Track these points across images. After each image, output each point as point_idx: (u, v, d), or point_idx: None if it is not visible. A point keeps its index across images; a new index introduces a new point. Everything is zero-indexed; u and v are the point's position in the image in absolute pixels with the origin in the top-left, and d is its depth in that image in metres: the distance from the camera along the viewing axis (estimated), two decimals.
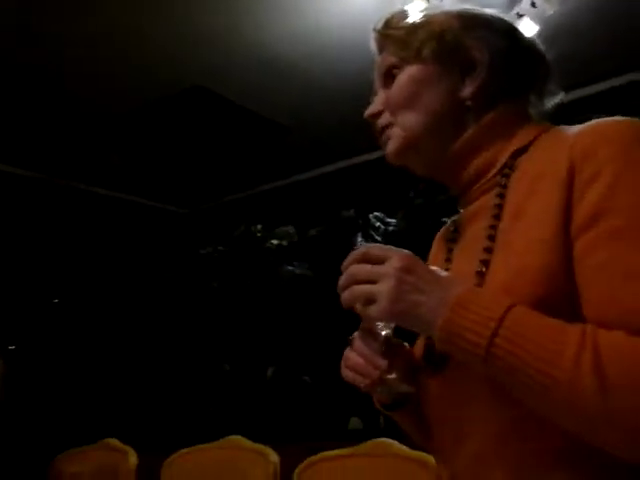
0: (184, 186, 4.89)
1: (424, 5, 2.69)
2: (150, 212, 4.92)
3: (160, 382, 3.28)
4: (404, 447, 1.47)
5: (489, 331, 0.59)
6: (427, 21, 0.83)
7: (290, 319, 3.00)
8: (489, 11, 0.85)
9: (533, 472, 0.64)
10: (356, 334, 0.76)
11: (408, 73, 0.82)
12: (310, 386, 2.73)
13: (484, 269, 0.71)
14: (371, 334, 0.74)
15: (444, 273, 0.69)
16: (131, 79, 3.40)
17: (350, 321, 0.79)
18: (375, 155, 3.97)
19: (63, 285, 4.02)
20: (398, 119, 0.83)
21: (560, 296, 0.63)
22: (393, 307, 0.64)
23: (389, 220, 3.06)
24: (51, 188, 4.26)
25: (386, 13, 0.90)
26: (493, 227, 0.74)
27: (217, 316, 3.28)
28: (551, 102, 0.85)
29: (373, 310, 0.66)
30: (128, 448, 2.14)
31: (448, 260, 0.84)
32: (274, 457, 1.73)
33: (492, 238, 0.73)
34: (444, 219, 0.98)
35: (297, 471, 1.63)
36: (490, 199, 0.77)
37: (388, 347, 0.74)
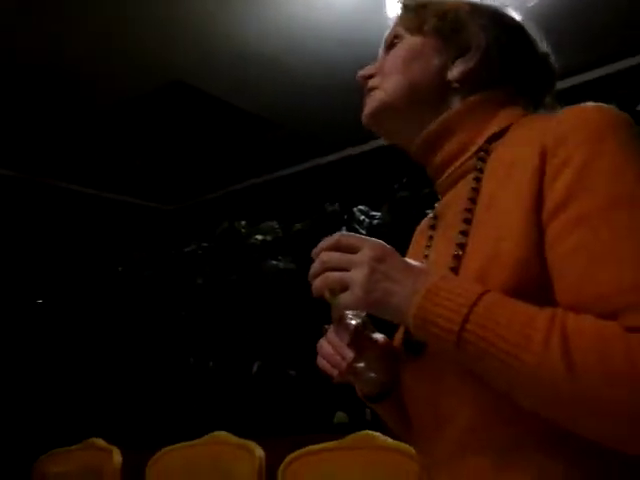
0: (167, 183, 4.86)
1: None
2: (133, 210, 4.89)
3: (144, 380, 3.26)
4: (388, 439, 1.47)
5: (460, 317, 0.59)
6: (439, 0, 0.86)
7: (275, 314, 2.99)
8: (505, 7, 0.86)
9: (513, 456, 0.64)
10: (330, 325, 0.78)
11: (406, 43, 0.84)
12: (296, 380, 2.73)
13: (460, 252, 0.72)
14: (342, 324, 0.75)
15: (417, 263, 0.69)
16: (112, 75, 3.36)
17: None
18: (359, 149, 3.97)
19: (47, 285, 3.98)
20: (383, 83, 0.84)
21: (533, 282, 0.64)
22: (366, 296, 0.65)
23: (374, 213, 3.06)
24: (32, 187, 4.21)
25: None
26: (469, 210, 0.74)
27: (201, 312, 3.27)
28: (545, 107, 0.85)
29: (346, 298, 0.66)
30: (112, 447, 2.12)
31: (428, 247, 0.85)
32: (259, 452, 1.72)
33: (468, 221, 0.73)
34: (428, 212, 0.99)
35: (282, 465, 1.63)
36: (466, 184, 0.77)
37: (357, 337, 0.76)
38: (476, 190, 0.75)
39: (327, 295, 0.68)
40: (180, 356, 3.24)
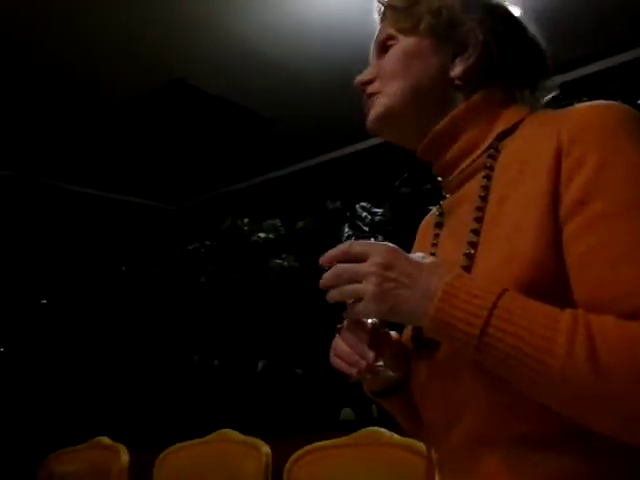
0: (170, 182, 4.86)
1: None
2: (136, 210, 4.89)
3: (150, 378, 3.27)
4: (395, 435, 1.47)
5: (481, 320, 0.59)
6: None
7: (280, 312, 2.99)
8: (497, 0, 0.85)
9: (524, 453, 0.64)
10: (344, 323, 0.77)
11: (402, 45, 0.83)
12: (302, 378, 2.73)
13: (472, 251, 0.71)
14: (358, 323, 0.75)
15: (428, 259, 0.68)
16: (112, 74, 3.36)
17: (339, 312, 0.79)
18: (360, 146, 3.97)
19: (51, 285, 3.98)
20: (385, 88, 0.83)
21: (549, 281, 0.63)
22: (379, 306, 0.65)
23: (376, 210, 3.05)
24: (35, 188, 4.22)
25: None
26: (480, 209, 0.73)
27: (206, 311, 3.27)
28: (545, 97, 0.85)
29: (360, 308, 0.67)
30: (120, 446, 2.12)
31: (435, 245, 0.84)
32: (266, 449, 1.73)
33: (480, 220, 0.73)
34: (430, 207, 0.98)
35: (289, 463, 1.63)
36: (476, 183, 0.77)
37: (375, 335, 0.75)
38: (487, 188, 0.74)
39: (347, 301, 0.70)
40: (185, 354, 3.24)
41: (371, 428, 1.55)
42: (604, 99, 0.69)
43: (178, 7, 2.88)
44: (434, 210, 0.91)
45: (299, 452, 1.63)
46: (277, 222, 3.58)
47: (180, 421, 2.95)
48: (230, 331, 3.14)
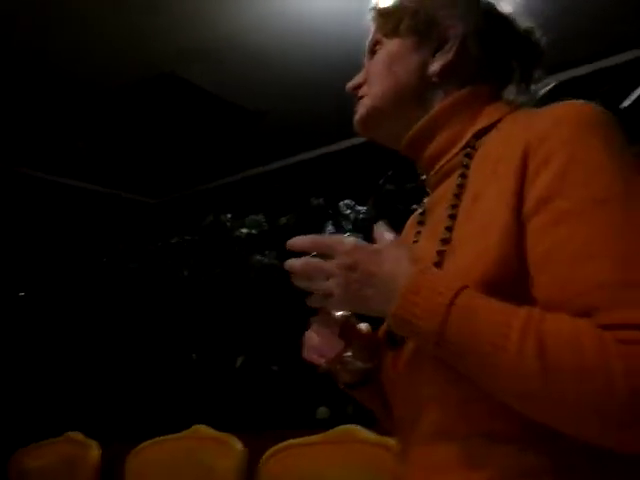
0: (153, 175, 4.82)
1: None
2: (119, 202, 4.84)
3: (124, 372, 3.23)
4: (370, 434, 1.47)
5: (439, 317, 0.60)
6: None
7: (260, 308, 2.97)
8: None
9: (484, 449, 0.65)
10: (316, 317, 0.80)
11: (386, 47, 0.86)
12: (278, 375, 2.72)
13: (445, 248, 0.72)
14: (328, 315, 0.79)
15: (393, 252, 0.68)
16: (99, 65, 3.32)
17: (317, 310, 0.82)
18: (345, 144, 3.96)
19: (29, 278, 3.93)
20: (369, 90, 0.86)
21: (514, 278, 0.64)
22: (346, 304, 0.71)
23: (359, 208, 3.05)
24: (15, 178, 4.15)
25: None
26: (455, 206, 0.74)
27: (186, 305, 3.24)
28: (538, 88, 0.86)
29: (330, 304, 0.71)
30: (91, 441, 2.10)
31: (416, 242, 0.86)
32: (240, 446, 1.71)
33: (453, 217, 0.74)
34: (414, 206, 1.00)
35: (263, 459, 1.62)
36: (453, 181, 0.78)
37: (344, 327, 0.79)
38: (461, 186, 0.75)
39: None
40: (163, 348, 3.21)
41: (346, 426, 1.54)
42: (594, 100, 0.70)
43: (169, 3, 2.85)
44: (419, 209, 0.93)
45: (273, 449, 1.62)
46: (260, 218, 3.56)
47: (154, 416, 2.91)
48: (210, 326, 3.11)
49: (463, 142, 0.79)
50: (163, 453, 1.90)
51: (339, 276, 0.67)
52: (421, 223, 0.88)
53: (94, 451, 2.04)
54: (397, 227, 0.98)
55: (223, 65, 3.39)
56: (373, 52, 0.88)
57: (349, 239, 0.69)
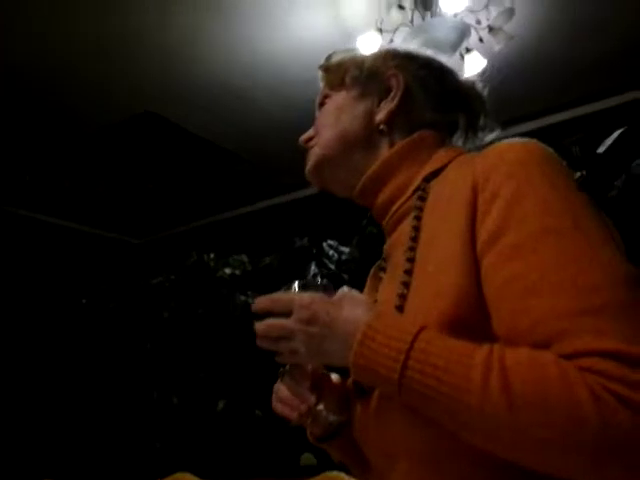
0: (136, 215, 4.80)
1: (377, 37, 2.75)
2: (102, 242, 4.81)
3: (104, 416, 3.15)
4: (352, 479, 1.44)
5: (399, 364, 0.60)
6: (356, 53, 0.92)
7: (243, 350, 2.94)
8: (423, 49, 0.91)
9: None
10: (287, 367, 0.79)
11: (333, 99, 0.89)
12: (262, 420, 2.67)
13: (405, 291, 0.73)
14: (298, 367, 0.78)
15: (350, 299, 0.69)
16: (82, 104, 3.34)
17: None
18: None
19: (5, 315, 3.86)
20: (318, 140, 0.89)
21: (473, 316, 0.64)
22: (310, 360, 0.72)
23: (342, 249, 3.06)
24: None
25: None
26: (412, 249, 0.75)
27: (167, 346, 3.19)
28: (487, 136, 0.89)
29: (295, 361, 0.72)
30: None
31: (377, 290, 0.86)
32: None
33: (411, 260, 0.75)
34: None
35: None
36: (408, 224, 0.79)
37: (315, 380, 0.78)
38: (417, 229, 0.76)
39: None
40: (143, 391, 3.15)
41: (331, 472, 1.51)
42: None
43: (153, 39, 2.89)
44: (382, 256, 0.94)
45: None
46: (244, 258, 3.56)
47: (135, 462, 2.83)
48: (191, 368, 3.06)
49: (414, 187, 0.81)
50: None
51: (300, 332, 0.67)
52: (382, 269, 0.89)
53: None
54: None
55: (209, 107, 3.43)
56: (322, 105, 0.92)
57: (306, 293, 0.70)
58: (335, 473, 1.50)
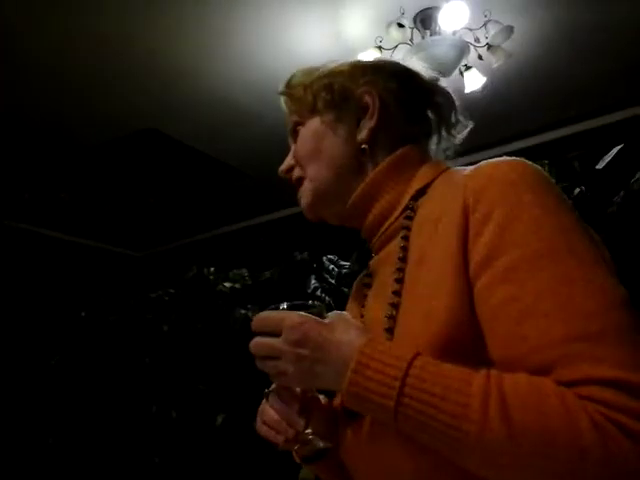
0: (137, 229, 4.81)
1: (377, 55, 2.78)
2: (103, 255, 4.81)
3: (103, 430, 3.14)
4: None
5: (394, 391, 0.58)
6: (320, 75, 0.87)
7: (243, 365, 2.93)
8: (383, 58, 0.92)
9: None
10: (272, 387, 0.76)
11: (308, 127, 0.86)
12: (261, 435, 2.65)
13: (394, 312, 0.71)
14: (287, 389, 0.74)
15: (342, 322, 0.68)
16: (84, 119, 3.36)
17: None
18: None
19: (5, 328, 3.85)
20: (307, 172, 0.85)
21: (466, 340, 0.63)
22: (299, 382, 0.69)
23: (343, 263, 3.06)
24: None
25: (288, 73, 0.93)
26: (401, 270, 0.74)
27: (166, 360, 3.18)
28: (461, 132, 0.88)
29: (284, 382, 0.70)
30: None
31: (363, 306, 0.85)
32: None
33: (400, 281, 0.73)
34: None
35: None
36: (396, 244, 0.78)
37: (304, 403, 0.74)
38: (405, 249, 0.75)
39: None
40: (142, 404, 3.13)
41: None
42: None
43: (155, 57, 2.92)
44: (364, 271, 0.92)
45: None
46: (244, 272, 3.56)
47: (134, 477, 2.82)
48: (190, 382, 3.05)
49: (402, 205, 0.79)
50: None
51: (289, 353, 0.65)
52: (367, 285, 0.87)
53: None
54: None
55: (208, 122, 3.46)
56: (295, 133, 0.88)
57: (295, 313, 0.67)
58: None
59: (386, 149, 0.82)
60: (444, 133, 0.87)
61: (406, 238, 0.76)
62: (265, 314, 0.70)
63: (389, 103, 0.82)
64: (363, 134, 0.82)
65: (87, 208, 4.37)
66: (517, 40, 2.81)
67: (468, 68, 2.85)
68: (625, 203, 2.19)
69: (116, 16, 2.63)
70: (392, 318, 0.71)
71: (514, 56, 2.84)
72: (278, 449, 0.75)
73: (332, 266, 3.11)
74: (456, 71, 2.82)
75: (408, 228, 0.77)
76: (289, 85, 0.90)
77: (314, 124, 0.85)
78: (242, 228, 4.57)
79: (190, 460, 2.78)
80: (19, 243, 4.25)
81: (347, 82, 0.84)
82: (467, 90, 2.82)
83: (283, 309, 0.70)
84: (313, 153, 0.84)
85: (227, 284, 3.45)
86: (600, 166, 2.32)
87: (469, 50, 2.78)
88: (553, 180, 0.68)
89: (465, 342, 0.63)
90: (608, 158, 2.35)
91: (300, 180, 0.87)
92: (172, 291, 3.60)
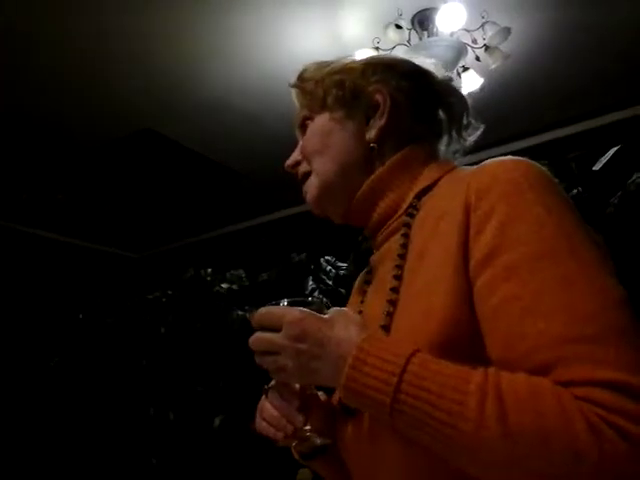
0: (134, 230, 4.80)
1: (373, 54, 2.79)
2: (100, 257, 4.80)
3: (101, 432, 3.13)
4: None
5: (391, 388, 0.58)
6: (332, 71, 0.86)
7: (240, 366, 2.92)
8: (396, 55, 0.89)
9: None
10: (272, 383, 0.76)
11: (317, 122, 0.85)
12: (258, 436, 2.65)
13: (392, 309, 0.71)
14: (286, 385, 0.74)
15: (342, 318, 0.68)
16: (82, 120, 3.36)
17: None
18: None
19: (1, 330, 3.84)
20: (313, 167, 0.85)
21: (465, 338, 0.63)
22: (298, 379, 0.70)
23: (340, 264, 3.06)
24: None
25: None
26: (399, 267, 0.74)
27: (164, 362, 3.18)
28: (472, 135, 0.87)
29: (283, 378, 0.69)
30: None
31: (362, 302, 0.85)
32: None
33: (398, 278, 0.73)
34: None
35: None
36: (397, 240, 0.77)
37: (303, 399, 0.74)
38: (405, 246, 0.75)
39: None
40: (140, 406, 3.13)
41: None
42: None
43: (152, 58, 2.92)
44: (366, 268, 0.91)
45: None
46: (241, 273, 3.56)
47: (131, 479, 2.81)
48: (188, 384, 3.05)
49: (407, 203, 0.79)
50: None
51: (287, 347, 0.65)
52: (367, 282, 0.87)
53: None
54: None
55: (205, 123, 3.45)
56: (303, 127, 0.88)
57: (296, 309, 0.67)
58: None
59: (394, 147, 0.82)
60: (455, 134, 0.86)
61: (406, 235, 0.76)
62: (266, 309, 0.70)
63: (400, 102, 0.82)
64: (372, 133, 0.82)
65: (84, 209, 4.36)
66: (514, 41, 2.81)
67: (466, 69, 2.86)
68: (622, 204, 2.19)
69: (115, 17, 2.63)
70: (389, 315, 0.71)
71: (511, 57, 2.84)
72: (277, 445, 0.75)
73: (329, 267, 3.11)
74: (454, 72, 2.83)
75: (409, 225, 0.77)
76: (301, 78, 0.90)
77: (323, 120, 0.85)
78: (239, 229, 4.57)
79: (188, 462, 2.78)
80: (15, 244, 4.24)
81: (358, 79, 0.84)
82: (465, 91, 2.82)
83: (284, 305, 0.70)
84: (321, 148, 0.84)
85: (224, 285, 3.45)
86: (597, 167, 2.32)
87: (467, 51, 2.78)
88: (557, 180, 0.68)
89: (463, 340, 0.63)
90: (605, 159, 2.35)
91: (306, 176, 0.87)
92: (169, 292, 3.60)
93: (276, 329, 0.67)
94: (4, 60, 2.84)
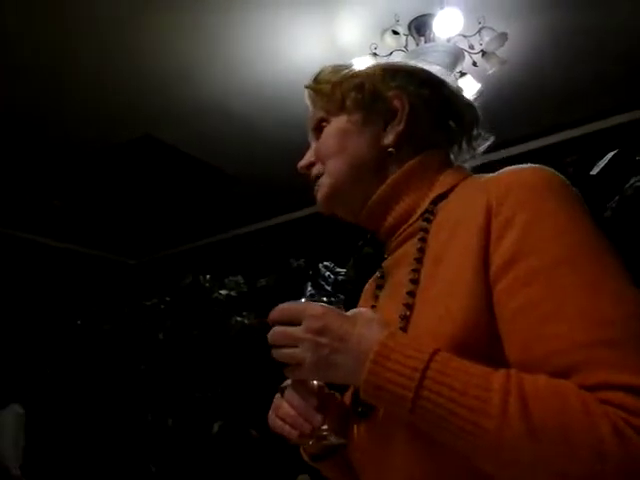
0: (132, 236, 4.80)
1: (371, 61, 2.79)
2: (98, 263, 4.79)
3: (99, 438, 3.12)
4: None
5: (414, 383, 0.58)
6: (351, 74, 0.86)
7: (238, 371, 2.92)
8: (414, 63, 0.88)
9: None
10: (288, 382, 0.75)
11: (334, 124, 0.85)
12: (257, 441, 2.64)
13: (408, 313, 0.71)
14: (303, 383, 0.73)
15: (364, 316, 0.68)
16: (80, 126, 3.36)
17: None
18: None
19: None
20: (327, 168, 0.85)
21: (483, 341, 0.63)
22: (316, 373, 0.67)
23: (339, 270, 3.06)
24: None
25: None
26: (416, 271, 0.74)
27: (162, 368, 3.17)
28: (482, 146, 0.88)
29: (299, 373, 0.68)
30: None
31: (374, 307, 0.85)
32: None
33: (415, 282, 0.73)
34: None
35: None
36: (413, 245, 0.77)
37: (321, 398, 0.73)
38: (422, 250, 0.75)
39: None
40: (138, 412, 3.12)
41: None
42: (562, 168, 0.71)
43: (148, 62, 2.92)
44: (377, 273, 0.91)
45: None
46: (239, 279, 3.56)
47: None
48: (186, 390, 3.04)
49: (422, 209, 0.79)
50: None
51: (307, 341, 0.65)
52: (379, 287, 0.86)
53: None
54: None
55: (205, 129, 3.46)
56: (319, 129, 0.88)
57: (318, 304, 0.68)
58: None
59: (410, 153, 0.82)
60: (465, 145, 0.87)
61: (424, 240, 0.76)
62: (287, 304, 0.69)
63: (418, 109, 0.83)
64: (390, 138, 0.82)
65: (81, 215, 4.35)
66: (511, 46, 2.82)
67: (463, 75, 2.86)
68: (620, 208, 2.20)
69: (115, 18, 2.63)
70: (405, 318, 0.71)
71: (508, 62, 2.85)
72: (291, 443, 0.74)
73: (328, 273, 3.11)
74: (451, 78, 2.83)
75: (426, 230, 0.77)
76: (317, 80, 0.90)
77: (340, 122, 0.85)
78: (237, 235, 4.57)
79: (187, 468, 2.77)
80: (12, 250, 4.23)
81: (378, 84, 0.84)
82: None
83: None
84: (336, 150, 0.84)
85: (223, 291, 3.45)
86: (594, 172, 2.33)
87: (464, 57, 2.79)
88: (575, 189, 0.69)
89: (480, 343, 0.63)
90: (602, 164, 2.36)
91: (319, 177, 0.87)
92: (168, 299, 3.60)
93: (296, 323, 0.66)
94: (2, 65, 2.84)
